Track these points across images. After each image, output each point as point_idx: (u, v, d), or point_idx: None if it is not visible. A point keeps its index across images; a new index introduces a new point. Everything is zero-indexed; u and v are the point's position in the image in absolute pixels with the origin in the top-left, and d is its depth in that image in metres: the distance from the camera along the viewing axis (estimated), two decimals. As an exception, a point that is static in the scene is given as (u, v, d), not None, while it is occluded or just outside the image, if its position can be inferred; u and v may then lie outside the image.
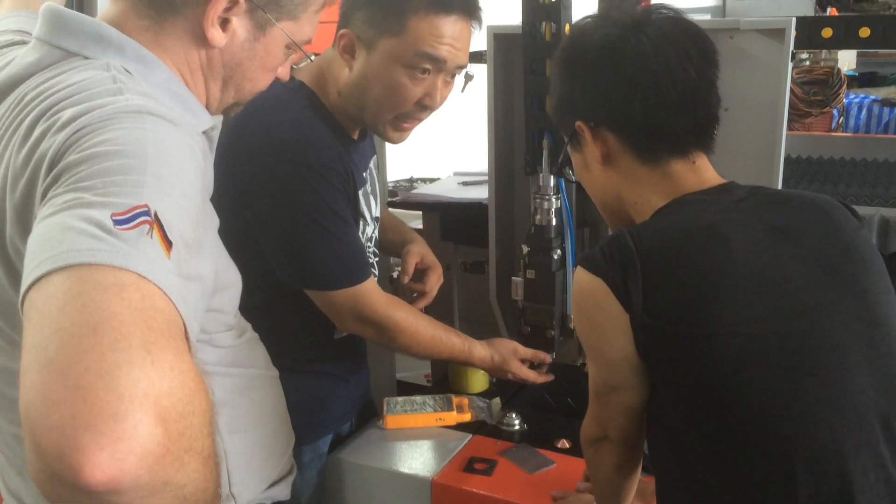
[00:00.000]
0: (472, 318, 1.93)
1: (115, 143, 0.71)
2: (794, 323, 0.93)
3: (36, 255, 0.64)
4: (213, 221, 0.94)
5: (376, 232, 1.53)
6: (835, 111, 3.18)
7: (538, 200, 1.54)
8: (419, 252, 1.57)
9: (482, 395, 1.69)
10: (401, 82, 1.30)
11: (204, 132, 0.91)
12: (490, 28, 1.54)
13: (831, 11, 3.42)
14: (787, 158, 1.45)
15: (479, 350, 1.50)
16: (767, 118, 1.40)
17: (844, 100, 3.22)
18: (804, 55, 3.31)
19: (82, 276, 0.61)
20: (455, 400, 1.58)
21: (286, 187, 1.26)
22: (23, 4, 1.12)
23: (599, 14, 1.12)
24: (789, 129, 1.83)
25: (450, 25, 1.28)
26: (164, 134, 0.75)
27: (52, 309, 0.60)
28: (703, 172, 1.06)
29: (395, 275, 1.99)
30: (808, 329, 0.93)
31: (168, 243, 0.67)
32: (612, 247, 0.98)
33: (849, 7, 3.40)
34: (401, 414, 1.55)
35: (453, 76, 1.36)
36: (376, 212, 1.50)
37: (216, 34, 0.88)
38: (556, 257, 1.54)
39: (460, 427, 1.54)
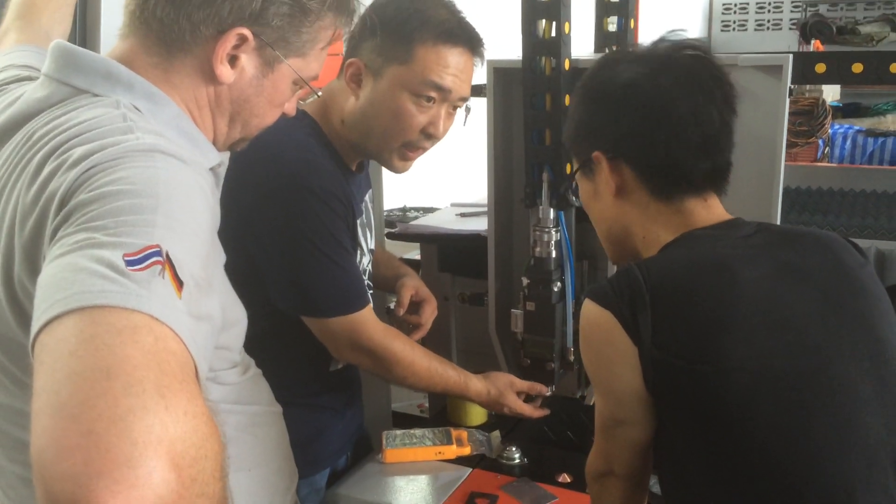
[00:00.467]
0: (471, 350, 1.92)
1: (126, 183, 0.70)
2: (803, 359, 0.93)
3: (47, 297, 0.63)
4: (220, 258, 0.94)
5: (371, 265, 1.53)
6: (820, 141, 3.22)
7: (538, 233, 1.54)
8: (413, 285, 1.59)
9: (481, 427, 1.67)
10: (407, 109, 1.32)
11: (211, 169, 0.91)
12: (490, 62, 1.55)
13: (815, 44, 3.47)
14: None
15: (476, 384, 1.49)
16: (766, 152, 1.41)
17: (829, 130, 3.26)
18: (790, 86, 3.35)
19: (95, 318, 0.60)
20: (454, 433, 1.57)
21: (290, 209, 1.27)
22: (27, 39, 1.12)
23: (628, 49, 1.13)
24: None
25: (455, 57, 1.32)
26: (174, 173, 0.74)
27: (65, 352, 0.59)
28: (713, 209, 1.07)
29: (391, 306, 1.98)
30: (817, 366, 0.93)
31: (179, 283, 0.67)
32: (620, 280, 0.98)
33: (832, 40, 3.45)
34: (400, 448, 1.53)
35: (455, 108, 1.39)
36: (371, 244, 1.51)
37: (225, 71, 0.88)
38: (556, 289, 1.54)
39: (460, 461, 1.52)
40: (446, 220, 2.08)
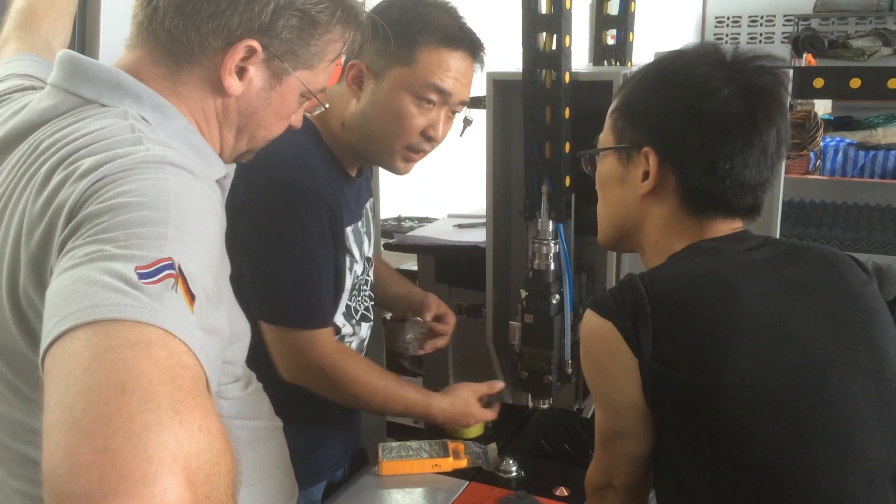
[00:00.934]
0: (468, 362, 1.92)
1: (137, 195, 0.69)
2: (804, 376, 0.93)
3: (59, 310, 0.62)
4: (227, 270, 0.93)
5: (370, 275, 1.52)
6: (812, 154, 3.24)
7: (536, 245, 1.54)
8: (438, 299, 1.68)
9: (478, 440, 1.66)
10: (408, 110, 1.34)
11: (217, 181, 0.90)
12: (490, 74, 1.56)
13: (807, 58, 3.51)
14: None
15: (439, 401, 1.48)
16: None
17: (821, 143, 3.29)
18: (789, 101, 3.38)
19: (108, 332, 0.60)
20: (451, 445, 1.56)
21: (272, 206, 1.27)
22: (27, 48, 1.12)
23: (723, 56, 1.04)
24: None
25: (456, 60, 1.34)
26: (185, 185, 0.74)
27: (78, 367, 0.58)
28: (732, 225, 1.06)
29: (388, 317, 1.98)
30: (818, 382, 0.93)
31: (191, 297, 0.66)
32: (622, 291, 0.98)
33: (824, 54, 3.49)
34: (396, 460, 1.52)
35: (454, 112, 1.41)
36: (368, 252, 1.50)
37: (233, 83, 0.88)
38: (554, 302, 1.54)
39: (456, 473, 1.51)
40: (444, 231, 2.08)
